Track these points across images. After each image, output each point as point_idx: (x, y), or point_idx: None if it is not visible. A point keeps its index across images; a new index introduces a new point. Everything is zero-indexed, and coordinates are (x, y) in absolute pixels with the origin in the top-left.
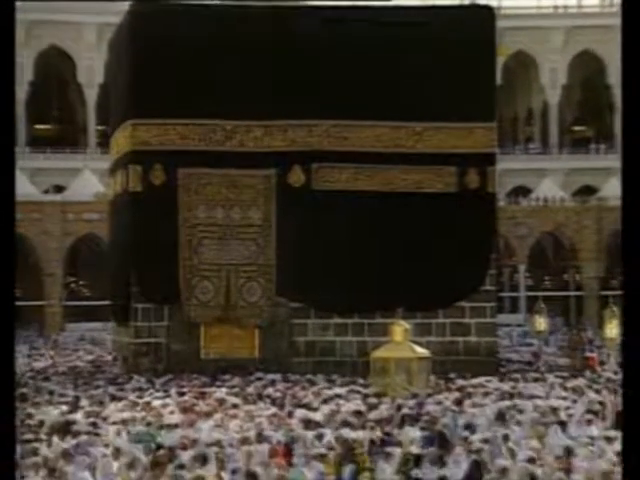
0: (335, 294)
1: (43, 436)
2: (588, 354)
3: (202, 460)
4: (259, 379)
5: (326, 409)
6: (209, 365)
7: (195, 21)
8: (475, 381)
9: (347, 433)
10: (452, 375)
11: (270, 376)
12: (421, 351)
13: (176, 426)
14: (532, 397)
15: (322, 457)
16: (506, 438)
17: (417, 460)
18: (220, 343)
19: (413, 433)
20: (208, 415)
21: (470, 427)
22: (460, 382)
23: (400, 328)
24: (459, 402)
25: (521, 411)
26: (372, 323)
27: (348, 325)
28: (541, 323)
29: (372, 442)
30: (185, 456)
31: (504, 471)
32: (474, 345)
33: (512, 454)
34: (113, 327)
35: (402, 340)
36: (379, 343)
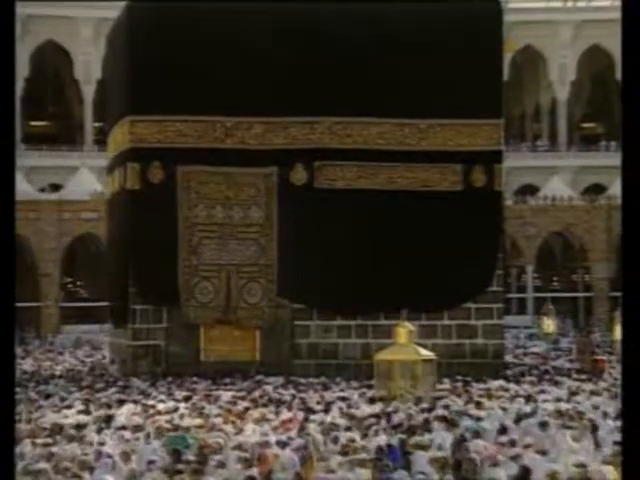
0: (338, 295)
1: (54, 440)
2: (597, 357)
3: (245, 463)
4: (259, 381)
5: (339, 413)
6: (209, 368)
7: (194, 15)
8: (493, 384)
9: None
10: (468, 378)
11: (276, 379)
12: (426, 354)
13: (198, 429)
14: (554, 400)
15: (365, 462)
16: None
17: (457, 465)
18: (220, 345)
19: (442, 437)
20: (231, 419)
21: (504, 430)
22: (477, 385)
23: (404, 330)
24: (478, 405)
25: (548, 415)
26: (376, 325)
27: (351, 327)
28: (549, 325)
29: (380, 448)
30: (224, 459)
31: (554, 476)
32: (481, 347)
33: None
34: (111, 329)
35: (407, 342)
36: (383, 345)
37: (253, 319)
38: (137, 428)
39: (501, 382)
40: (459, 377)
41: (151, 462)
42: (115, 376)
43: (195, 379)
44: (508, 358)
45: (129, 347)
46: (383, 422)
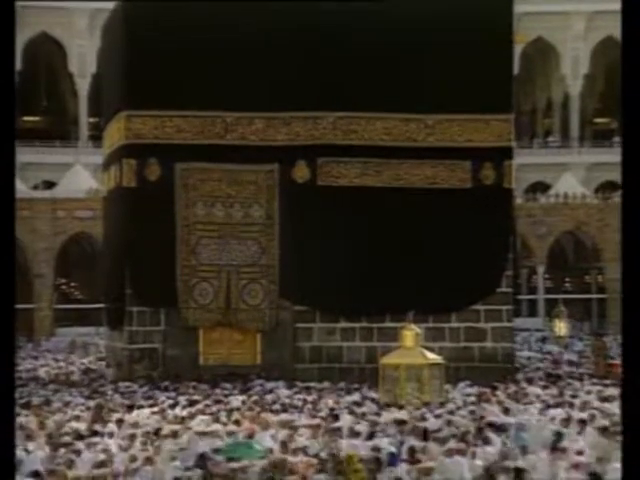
0: (342, 296)
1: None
2: (611, 361)
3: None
4: (263, 385)
5: (360, 418)
6: (208, 372)
7: (192, 8)
8: (524, 389)
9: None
10: (495, 383)
11: (283, 384)
12: (433, 357)
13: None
14: (586, 406)
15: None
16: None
17: (518, 473)
18: (220, 348)
19: (492, 444)
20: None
21: (559, 436)
22: (503, 389)
23: (411, 333)
24: (507, 411)
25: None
26: (381, 327)
27: (356, 329)
28: (561, 328)
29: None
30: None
31: None
32: (490, 351)
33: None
34: (106, 332)
35: (413, 345)
36: (389, 349)
37: (254, 321)
38: (154, 434)
39: (534, 388)
40: (469, 381)
41: (188, 469)
42: (111, 380)
43: (194, 383)
44: (517, 361)
45: (125, 350)
46: (410, 428)
